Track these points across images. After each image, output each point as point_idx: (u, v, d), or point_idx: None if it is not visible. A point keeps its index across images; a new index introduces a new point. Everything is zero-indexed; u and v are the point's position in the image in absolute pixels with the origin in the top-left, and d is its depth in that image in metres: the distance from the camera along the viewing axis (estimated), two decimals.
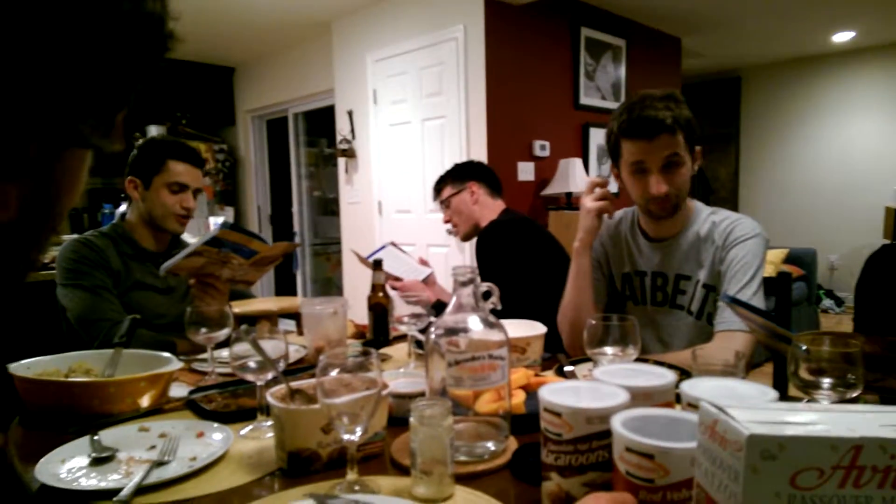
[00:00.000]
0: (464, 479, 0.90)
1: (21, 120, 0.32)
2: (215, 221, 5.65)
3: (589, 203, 1.55)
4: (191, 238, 2.12)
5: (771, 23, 5.13)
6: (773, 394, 0.78)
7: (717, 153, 6.86)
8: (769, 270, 3.90)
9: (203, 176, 2.02)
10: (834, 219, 6.10)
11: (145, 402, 1.23)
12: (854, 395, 0.95)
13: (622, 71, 4.88)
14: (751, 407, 0.57)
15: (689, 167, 1.51)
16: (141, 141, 2.03)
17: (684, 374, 1.19)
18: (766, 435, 0.52)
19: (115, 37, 0.34)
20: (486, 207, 2.36)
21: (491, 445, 0.97)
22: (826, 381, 0.96)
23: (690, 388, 0.79)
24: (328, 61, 5.11)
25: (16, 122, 0.32)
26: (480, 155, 4.04)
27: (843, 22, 5.24)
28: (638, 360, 1.15)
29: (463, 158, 4.10)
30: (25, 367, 1.27)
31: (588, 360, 1.28)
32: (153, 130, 5.29)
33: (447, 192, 2.40)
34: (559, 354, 1.57)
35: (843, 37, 5.59)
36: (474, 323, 0.97)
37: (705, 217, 1.60)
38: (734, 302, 1.26)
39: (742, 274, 1.47)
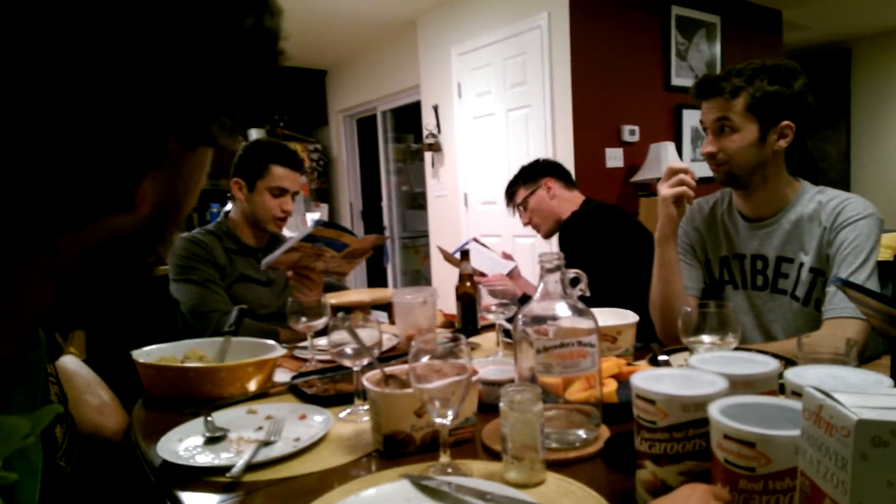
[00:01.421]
0: (555, 466, 0.90)
1: (166, 111, 0.37)
2: (311, 218, 5.88)
3: (664, 190, 1.50)
4: (289, 233, 2.23)
5: None
6: (889, 382, 0.73)
7: (826, 131, 6.39)
8: (885, 254, 3.59)
9: (300, 176, 2.12)
10: None
11: (252, 386, 1.31)
12: None
13: (717, 49, 4.65)
14: (860, 392, 0.55)
15: (750, 137, 1.45)
16: (244, 143, 2.16)
17: (789, 363, 1.13)
18: (876, 420, 0.49)
19: (241, 46, 0.40)
20: (565, 200, 2.32)
21: (582, 433, 0.97)
22: None
23: (795, 375, 0.75)
24: (414, 58, 5.19)
25: (163, 112, 0.37)
26: (566, 142, 3.98)
27: None
28: (737, 349, 1.11)
29: (549, 147, 4.05)
30: (146, 354, 1.39)
31: (684, 349, 1.24)
32: (254, 133, 5.57)
33: (521, 194, 2.38)
34: (653, 344, 1.53)
35: None
36: (562, 310, 0.97)
37: (811, 196, 1.51)
38: (846, 285, 1.18)
39: (854, 257, 1.37)
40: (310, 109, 6.55)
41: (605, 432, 0.99)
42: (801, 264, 1.48)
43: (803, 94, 1.44)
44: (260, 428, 1.11)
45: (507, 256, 2.39)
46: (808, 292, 1.47)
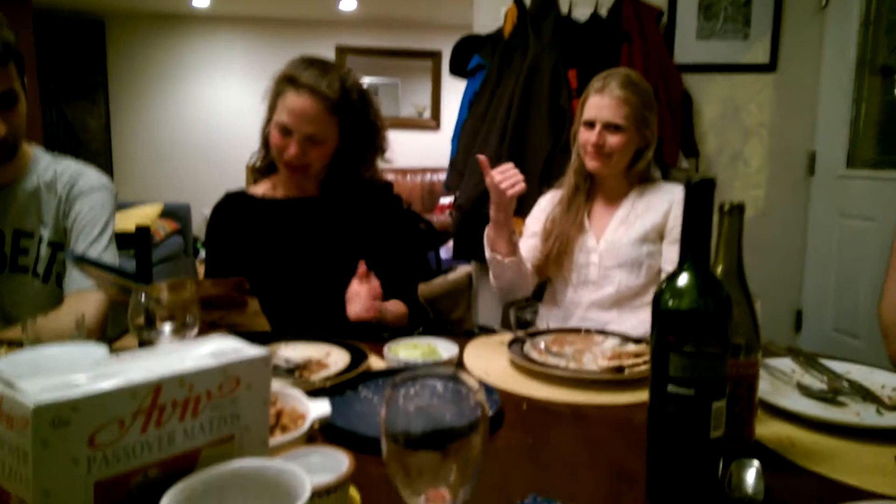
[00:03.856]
0: None
1: None
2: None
3: None
4: None
5: None
6: (101, 351, 0.75)
7: (86, 102, 6.36)
8: (147, 225, 3.90)
9: None
10: (204, 174, 6.54)
11: None
12: (193, 333, 1.01)
13: None
14: (52, 373, 0.52)
15: (25, 104, 1.31)
16: None
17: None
18: (55, 402, 0.47)
19: None
20: None
21: None
22: (168, 325, 0.99)
23: (1, 366, 0.67)
24: None
25: None
26: None
27: None
28: None
29: None
30: None
31: None
32: None
33: None
34: None
35: (201, 1, 5.94)
36: None
37: (46, 165, 1.43)
38: (80, 260, 1.17)
39: (91, 228, 1.38)
40: None
41: None
42: (41, 238, 1.40)
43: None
44: None
45: None
46: (49, 269, 1.40)
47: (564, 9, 2.74)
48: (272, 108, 1.49)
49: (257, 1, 5.94)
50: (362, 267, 1.40)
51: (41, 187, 1.40)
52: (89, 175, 1.44)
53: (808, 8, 2.99)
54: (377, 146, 1.59)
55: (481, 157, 1.49)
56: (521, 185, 1.45)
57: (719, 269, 0.81)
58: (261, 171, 1.63)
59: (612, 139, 1.59)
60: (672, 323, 0.69)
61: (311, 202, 1.57)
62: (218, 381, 0.57)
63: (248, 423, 0.60)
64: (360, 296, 1.38)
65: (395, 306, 1.51)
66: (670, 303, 0.70)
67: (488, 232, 1.58)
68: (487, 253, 1.60)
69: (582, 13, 2.78)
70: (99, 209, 1.40)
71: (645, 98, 1.62)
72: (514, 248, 1.58)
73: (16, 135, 1.30)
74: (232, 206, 1.60)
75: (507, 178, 1.45)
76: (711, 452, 0.69)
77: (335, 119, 1.46)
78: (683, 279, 0.70)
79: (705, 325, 0.68)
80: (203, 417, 0.56)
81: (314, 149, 1.45)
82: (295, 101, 1.42)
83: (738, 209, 0.80)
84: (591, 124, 1.61)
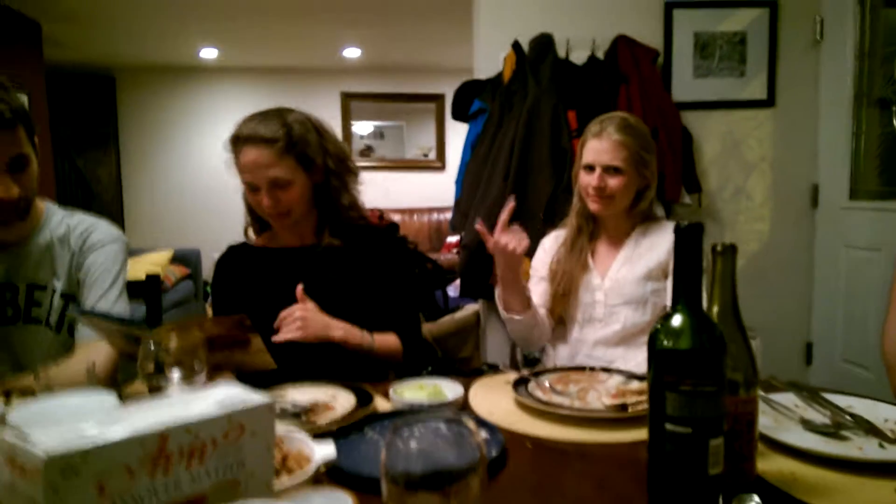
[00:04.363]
0: None
1: None
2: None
3: None
4: None
5: (141, 27, 5.16)
6: (111, 399, 0.77)
7: (97, 153, 6.52)
8: (157, 272, 3.97)
9: None
10: (214, 219, 6.63)
11: None
12: (202, 378, 1.03)
13: None
14: (63, 422, 0.54)
15: (36, 164, 1.36)
16: None
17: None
18: (65, 453, 0.49)
19: None
20: None
21: None
22: (177, 372, 1.01)
23: (14, 416, 0.69)
24: None
25: None
26: None
27: (207, 39, 5.73)
28: None
29: None
30: None
31: None
32: None
33: None
34: None
35: (209, 53, 6.11)
36: None
37: (59, 220, 1.47)
38: (83, 314, 1.20)
39: (103, 280, 1.41)
40: None
41: None
42: (54, 291, 1.43)
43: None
44: None
45: None
46: (61, 319, 1.43)
47: (562, 52, 2.82)
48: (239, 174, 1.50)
49: (263, 52, 6.11)
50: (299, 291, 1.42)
51: (54, 242, 1.44)
52: (102, 228, 1.48)
53: (803, 43, 3.05)
54: (347, 168, 1.58)
55: (479, 227, 1.50)
56: (526, 241, 1.48)
57: (715, 309, 0.82)
58: (259, 228, 1.66)
59: (613, 182, 1.62)
60: (668, 362, 0.71)
61: (309, 250, 1.59)
62: (223, 428, 0.59)
63: (252, 469, 0.62)
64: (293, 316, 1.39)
65: (384, 338, 1.51)
66: (665, 342, 0.71)
67: (499, 293, 1.60)
68: (502, 314, 1.61)
69: (579, 56, 2.85)
70: (111, 261, 1.44)
71: (642, 140, 1.66)
72: (527, 303, 1.59)
73: (28, 196, 1.34)
74: (234, 257, 1.63)
75: (511, 238, 1.46)
76: (710, 489, 0.70)
77: (290, 158, 1.45)
78: (677, 319, 0.72)
79: (700, 364, 0.70)
80: (209, 464, 0.58)
81: (284, 193, 1.46)
82: (245, 156, 1.44)
83: (730, 249, 0.82)
84: (590, 168, 1.64)
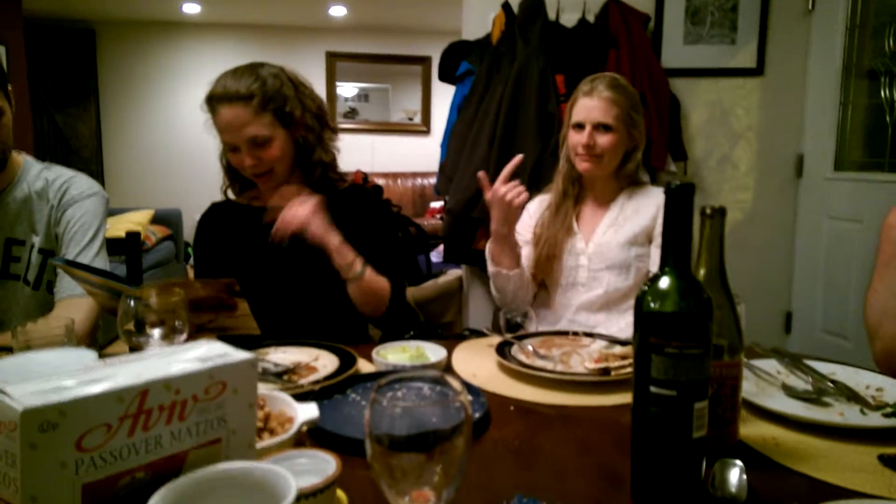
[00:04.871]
0: None
1: None
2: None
3: None
4: None
5: None
6: (90, 356, 0.75)
7: (76, 109, 6.35)
8: (137, 230, 3.88)
9: None
10: (195, 179, 6.52)
11: None
12: (182, 338, 1.01)
13: None
14: (40, 377, 0.52)
15: (10, 116, 1.32)
16: None
17: None
18: (42, 406, 0.47)
19: None
20: None
21: None
22: (157, 331, 0.99)
23: None
24: None
25: None
26: None
27: None
28: None
29: None
30: None
31: None
32: None
33: None
34: None
35: (192, 8, 5.94)
36: None
37: (37, 173, 1.43)
38: (69, 264, 1.17)
39: (82, 235, 1.39)
40: None
41: None
42: (32, 245, 1.40)
43: None
44: None
45: None
46: (39, 276, 1.40)
47: (552, 14, 2.77)
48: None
49: (248, 7, 5.94)
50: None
51: (32, 195, 1.40)
52: (81, 182, 1.44)
53: (795, 12, 3.02)
54: (325, 124, 1.54)
55: (480, 174, 1.50)
56: (525, 194, 1.47)
57: (702, 272, 0.82)
58: (239, 188, 1.62)
59: (603, 139, 1.61)
60: (654, 325, 0.71)
61: None
62: (204, 385, 0.58)
63: (234, 427, 0.61)
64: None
65: (375, 275, 1.46)
66: (652, 305, 0.71)
67: (490, 247, 1.59)
68: (490, 267, 1.61)
69: (569, 19, 2.80)
70: (90, 216, 1.41)
71: (632, 99, 1.65)
72: (517, 260, 1.59)
73: (3, 149, 1.30)
74: (217, 215, 1.60)
75: (510, 189, 1.46)
76: (694, 452, 0.71)
77: (267, 114, 1.40)
78: (665, 282, 0.71)
79: (687, 327, 0.70)
80: (190, 421, 0.57)
81: (265, 151, 1.41)
82: (221, 116, 1.39)
83: (719, 212, 0.82)
84: (580, 126, 1.63)
